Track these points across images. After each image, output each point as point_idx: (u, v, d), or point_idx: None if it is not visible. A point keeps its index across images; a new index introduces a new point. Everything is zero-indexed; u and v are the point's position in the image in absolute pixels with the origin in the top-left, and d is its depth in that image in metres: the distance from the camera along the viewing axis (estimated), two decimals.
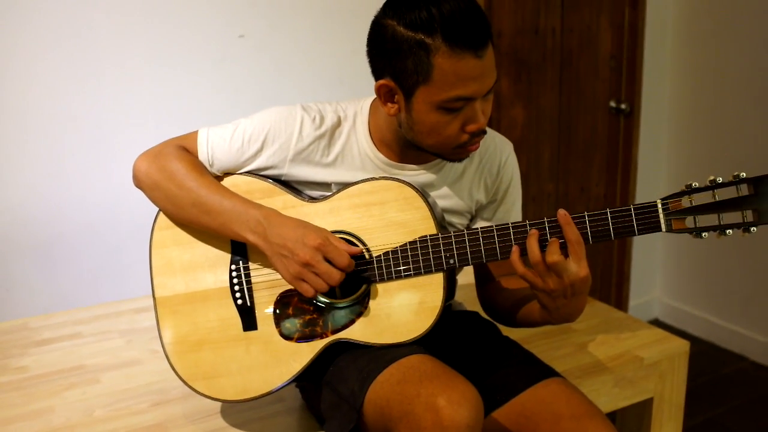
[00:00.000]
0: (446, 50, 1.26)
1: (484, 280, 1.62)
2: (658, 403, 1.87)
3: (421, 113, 1.33)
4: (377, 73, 1.37)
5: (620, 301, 3.44)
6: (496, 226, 1.37)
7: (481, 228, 1.38)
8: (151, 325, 2.03)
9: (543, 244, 1.33)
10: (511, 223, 1.36)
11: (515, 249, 1.34)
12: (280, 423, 1.58)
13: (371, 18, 1.37)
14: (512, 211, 1.58)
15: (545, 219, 1.34)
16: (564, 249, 1.31)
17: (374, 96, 1.49)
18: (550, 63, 3.11)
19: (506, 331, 1.68)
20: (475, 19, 1.27)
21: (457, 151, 1.40)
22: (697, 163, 3.40)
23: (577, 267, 1.30)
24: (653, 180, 3.49)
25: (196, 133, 1.50)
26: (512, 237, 1.36)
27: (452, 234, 1.38)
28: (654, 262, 3.69)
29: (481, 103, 1.33)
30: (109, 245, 2.41)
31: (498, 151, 1.55)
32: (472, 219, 1.59)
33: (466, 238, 1.37)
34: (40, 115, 2.26)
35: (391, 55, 1.31)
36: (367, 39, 1.37)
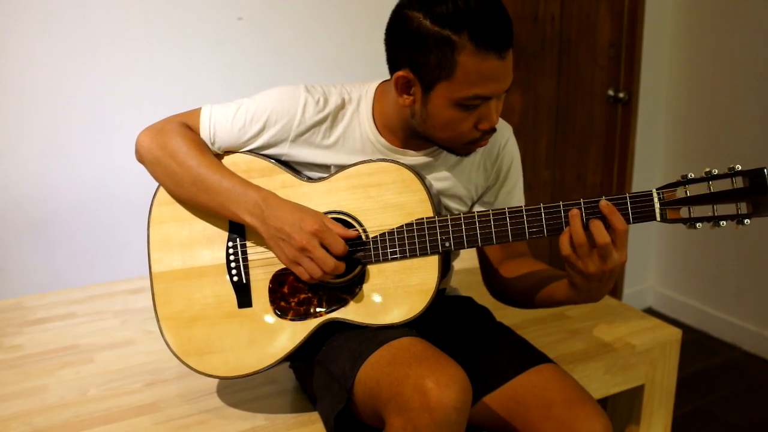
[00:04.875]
0: (472, 49, 1.26)
1: (491, 263, 1.61)
2: (649, 390, 1.89)
3: (437, 108, 1.34)
4: (395, 64, 1.36)
5: (614, 290, 3.45)
6: (492, 210, 1.37)
7: (477, 212, 1.38)
8: (144, 306, 2.04)
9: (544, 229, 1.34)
10: (507, 208, 1.36)
11: (566, 231, 1.31)
12: (273, 404, 1.59)
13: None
14: (514, 192, 1.58)
15: (541, 205, 1.34)
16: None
17: (380, 80, 1.50)
18: (548, 50, 3.10)
19: (500, 317, 1.69)
20: (501, 19, 1.27)
21: (467, 147, 1.41)
22: (693, 153, 3.40)
23: (619, 254, 1.29)
24: (650, 169, 3.49)
25: (199, 110, 1.50)
26: (508, 221, 1.36)
27: (448, 217, 1.39)
28: (648, 251, 3.70)
29: (496, 103, 1.34)
30: (105, 225, 2.41)
31: (498, 134, 1.54)
32: (473, 204, 1.59)
33: (463, 221, 1.38)
34: (35, 95, 2.25)
35: (414, 47, 1.30)
36: (387, 28, 1.36)
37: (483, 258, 1.63)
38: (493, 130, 1.38)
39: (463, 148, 1.41)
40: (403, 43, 1.32)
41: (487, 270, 1.62)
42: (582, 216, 1.31)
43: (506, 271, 1.57)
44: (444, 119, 1.34)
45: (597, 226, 1.28)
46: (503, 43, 1.27)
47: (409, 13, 1.30)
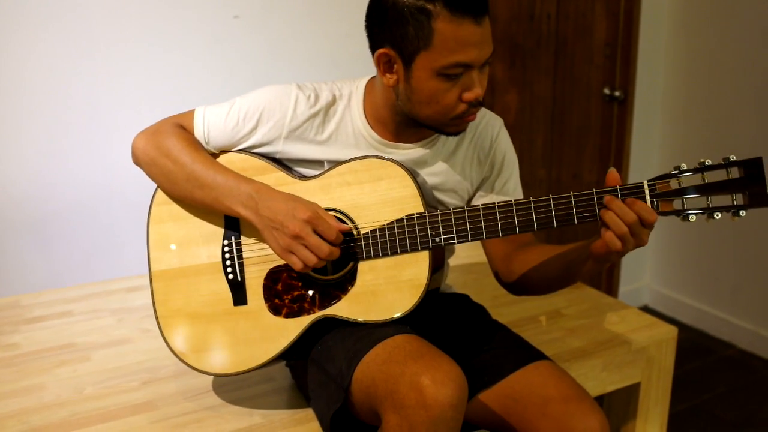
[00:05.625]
0: (447, 15, 1.27)
1: (500, 259, 1.57)
2: (645, 387, 1.89)
3: (420, 81, 1.34)
4: (376, 44, 1.38)
5: (610, 288, 3.45)
6: (482, 205, 1.37)
7: (467, 207, 1.38)
8: (142, 305, 2.05)
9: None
10: (497, 203, 1.36)
11: (611, 214, 1.27)
12: (270, 401, 1.59)
13: (366, 1, 1.37)
14: (510, 183, 1.57)
15: (531, 199, 1.34)
16: None
17: (369, 76, 1.51)
18: (544, 49, 3.11)
19: (495, 315, 1.69)
20: None
21: (455, 122, 1.40)
22: (689, 151, 3.41)
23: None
24: (646, 167, 3.50)
25: (193, 111, 1.52)
26: (498, 216, 1.36)
27: (439, 212, 1.39)
28: (644, 249, 3.65)
29: (478, 74, 1.35)
30: (102, 224, 2.42)
31: (489, 127, 1.55)
32: (470, 198, 1.58)
33: (453, 216, 1.38)
34: (34, 95, 2.25)
35: (392, 22, 1.32)
36: (367, 11, 1.39)
37: (492, 255, 1.60)
38: (480, 103, 1.38)
39: (451, 124, 1.41)
40: (380, 20, 1.35)
41: (498, 266, 1.59)
42: (575, 209, 1.31)
43: (521, 264, 1.53)
44: (428, 92, 1.35)
45: (641, 205, 1.27)
46: (478, 9, 1.29)
47: None
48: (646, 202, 1.29)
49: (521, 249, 1.55)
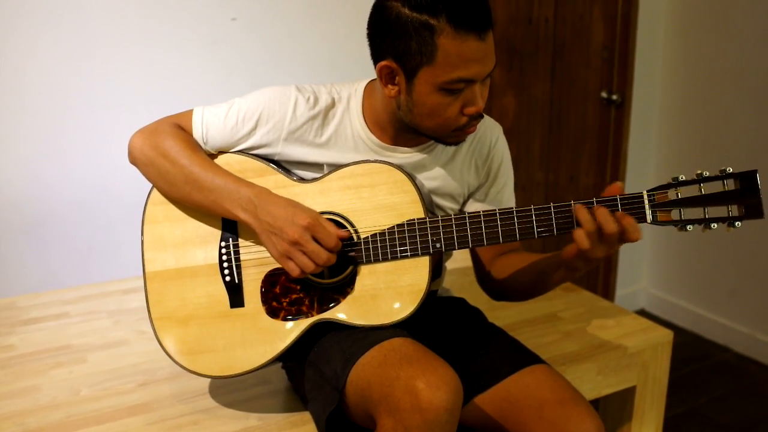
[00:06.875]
0: (451, 31, 1.27)
1: (483, 264, 1.60)
2: (640, 391, 1.89)
3: (422, 95, 1.34)
4: (378, 55, 1.37)
5: (607, 291, 3.46)
6: (483, 212, 1.37)
7: (468, 213, 1.38)
8: (138, 306, 2.04)
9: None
10: (498, 210, 1.36)
11: (579, 229, 1.29)
12: (266, 404, 1.59)
13: (364, 2, 1.37)
14: (504, 191, 1.58)
15: (532, 207, 1.35)
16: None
17: (368, 79, 1.51)
18: (542, 52, 3.11)
19: (492, 318, 1.69)
20: (478, 2, 1.29)
21: (455, 134, 1.41)
22: (687, 155, 3.41)
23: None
24: (643, 171, 3.50)
25: (191, 111, 1.51)
26: (499, 223, 1.36)
27: (440, 218, 1.39)
28: (641, 253, 3.70)
29: (480, 87, 1.35)
30: (99, 224, 2.41)
31: (488, 133, 1.56)
32: (465, 202, 1.59)
33: (453, 222, 1.38)
34: (31, 95, 2.25)
35: (395, 36, 1.31)
36: (369, 21, 1.38)
37: (476, 259, 1.63)
38: (480, 115, 1.39)
39: (451, 135, 1.41)
40: (383, 33, 1.34)
41: (481, 271, 1.63)
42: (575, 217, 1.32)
43: (499, 269, 1.57)
44: (429, 106, 1.35)
45: (604, 214, 1.28)
46: (482, 24, 1.28)
47: (388, 4, 1.32)
48: (645, 212, 1.30)
49: (504, 255, 1.58)
